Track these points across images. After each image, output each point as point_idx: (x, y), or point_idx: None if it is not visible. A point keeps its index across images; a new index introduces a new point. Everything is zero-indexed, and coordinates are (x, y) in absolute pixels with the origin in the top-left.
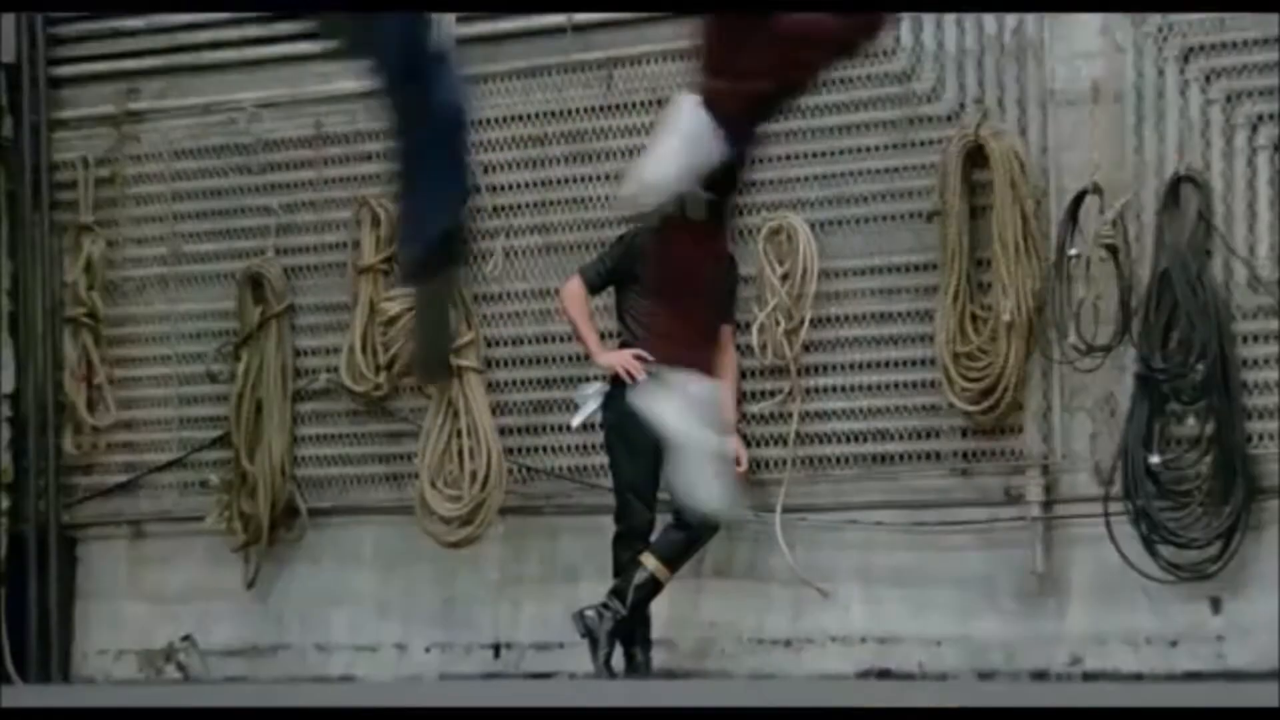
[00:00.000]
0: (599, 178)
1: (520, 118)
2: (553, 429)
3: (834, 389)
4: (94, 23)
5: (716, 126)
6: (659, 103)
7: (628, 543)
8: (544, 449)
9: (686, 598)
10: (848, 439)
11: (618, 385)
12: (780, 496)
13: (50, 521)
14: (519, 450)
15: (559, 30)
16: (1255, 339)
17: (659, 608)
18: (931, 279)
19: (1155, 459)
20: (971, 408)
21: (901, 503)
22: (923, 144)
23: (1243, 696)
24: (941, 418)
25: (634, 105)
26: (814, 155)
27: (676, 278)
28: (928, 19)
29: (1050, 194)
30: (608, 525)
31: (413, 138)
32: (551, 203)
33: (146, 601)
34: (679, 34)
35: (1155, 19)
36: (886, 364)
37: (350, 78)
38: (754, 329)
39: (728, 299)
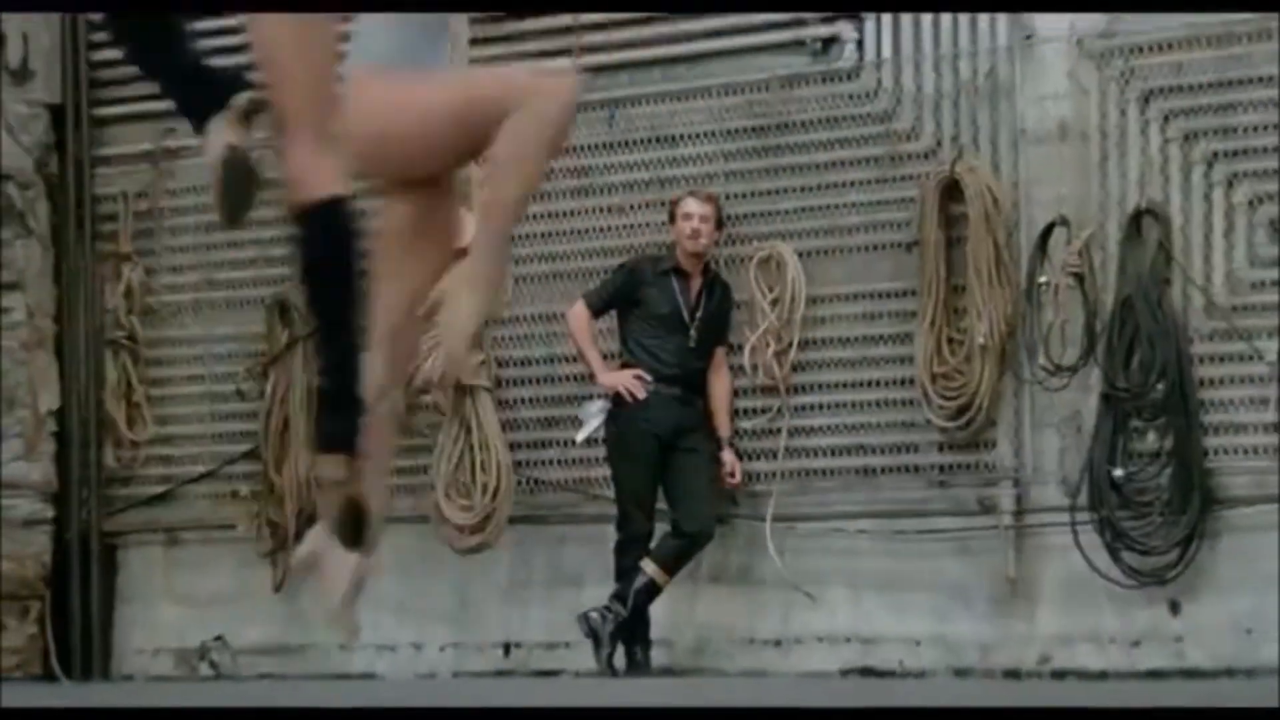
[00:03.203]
0: (601, 210)
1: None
2: (558, 444)
3: (820, 406)
4: (131, 69)
5: None
6: (658, 140)
7: (628, 550)
8: (550, 462)
9: (683, 601)
10: (833, 453)
11: (619, 403)
12: (770, 506)
13: (92, 530)
14: (527, 463)
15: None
16: (1211, 360)
17: (658, 610)
18: (911, 305)
19: (1119, 472)
20: (948, 424)
21: (883, 512)
22: (902, 179)
23: (1247, 695)
24: (920, 433)
25: (634, 143)
26: (801, 189)
27: None
28: (907, 63)
29: (1021, 226)
30: (610, 533)
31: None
32: (557, 233)
33: (181, 604)
34: (676, 76)
35: (1118, 63)
36: (869, 383)
37: None
38: (746, 350)
39: (722, 323)
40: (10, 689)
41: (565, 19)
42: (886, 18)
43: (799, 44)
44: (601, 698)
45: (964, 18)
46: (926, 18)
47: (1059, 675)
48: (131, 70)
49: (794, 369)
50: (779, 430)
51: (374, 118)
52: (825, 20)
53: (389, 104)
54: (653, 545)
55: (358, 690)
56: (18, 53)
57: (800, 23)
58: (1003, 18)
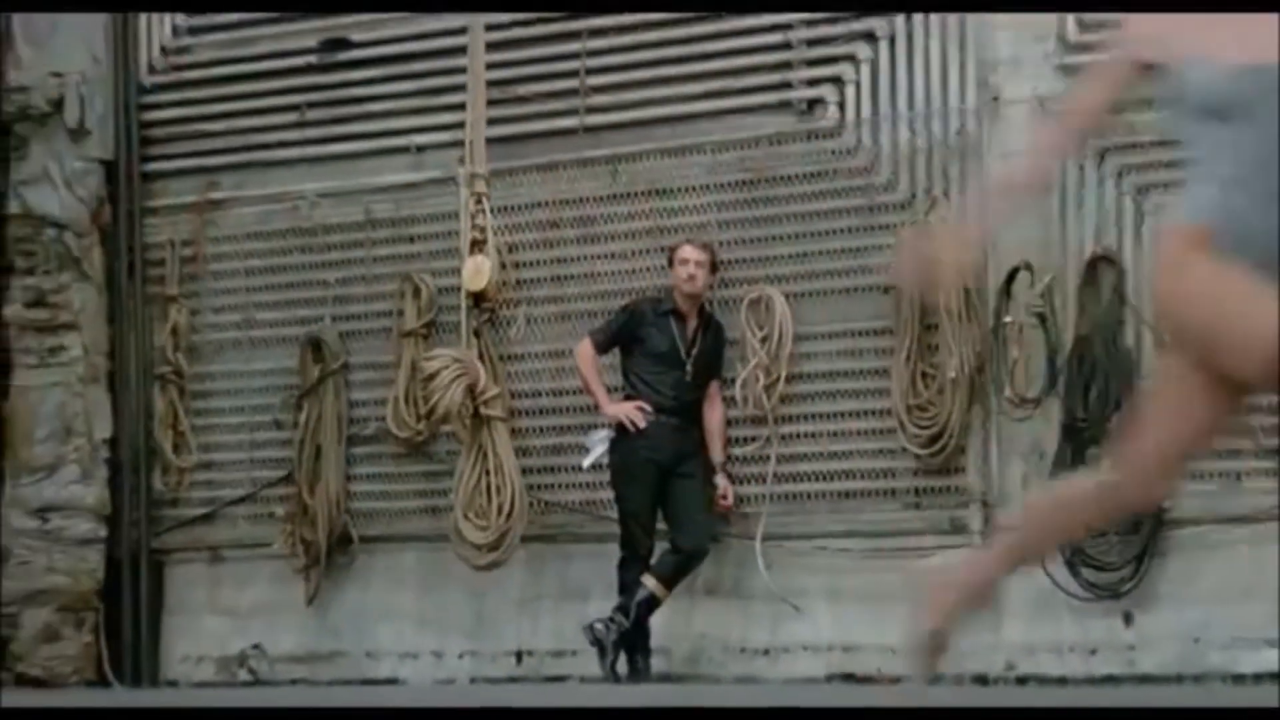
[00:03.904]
0: (605, 256)
1: (538, 205)
2: (567, 469)
3: (806, 435)
4: (180, 125)
5: None
6: (657, 193)
7: (631, 566)
8: (559, 486)
9: (680, 613)
10: (817, 478)
11: (622, 432)
12: (760, 526)
13: (142, 548)
14: (538, 487)
15: (572, 131)
16: None
17: (657, 621)
18: (888, 342)
19: None
20: (922, 451)
21: (863, 532)
22: (880, 228)
23: (1242, 698)
24: (896, 460)
25: (636, 195)
26: (788, 237)
27: None
28: (884, 122)
29: (988, 270)
30: (613, 551)
31: None
32: (565, 277)
33: (222, 615)
34: (674, 135)
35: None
36: (850, 414)
37: (395, 171)
38: (738, 384)
39: (716, 359)
40: (67, 693)
41: (573, 82)
42: (866, 82)
43: (786, 105)
44: (606, 702)
45: (936, 82)
46: (902, 82)
47: (1023, 680)
48: (178, 129)
49: (782, 401)
50: (768, 457)
51: (1172, 296)
52: (810, 83)
53: (1188, 289)
54: (653, 562)
55: (382, 694)
56: (75, 113)
57: (787, 85)
58: (971, 82)
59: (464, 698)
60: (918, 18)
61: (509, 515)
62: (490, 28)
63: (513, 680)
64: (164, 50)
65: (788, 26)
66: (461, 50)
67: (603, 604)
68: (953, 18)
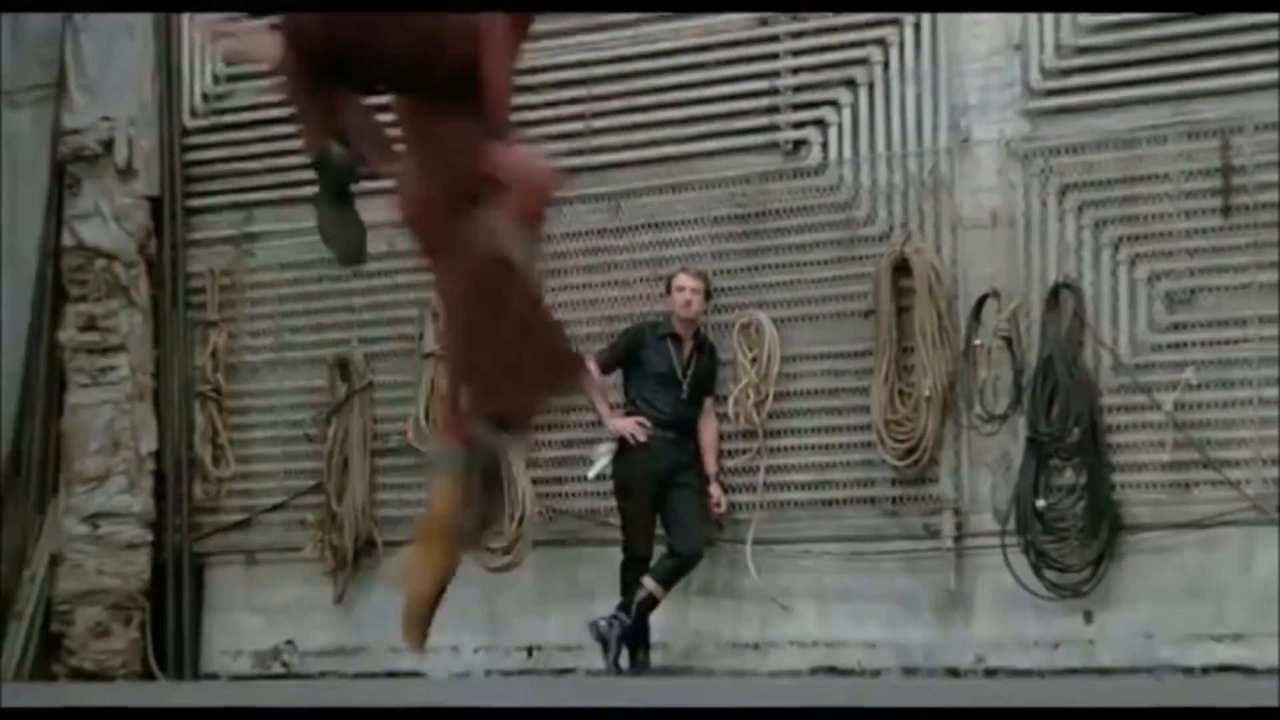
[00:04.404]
0: (608, 284)
1: (547, 237)
2: (573, 480)
3: (792, 448)
4: (219, 165)
5: None
6: (655, 226)
7: (632, 568)
8: (567, 495)
9: (677, 611)
10: (803, 487)
11: (624, 446)
12: (750, 532)
13: (184, 552)
14: (547, 496)
15: (578, 169)
16: (1118, 410)
17: (656, 619)
18: (868, 363)
19: (1041, 503)
20: (899, 463)
21: (845, 537)
22: (860, 259)
23: (1238, 695)
24: (875, 471)
25: (636, 228)
26: (776, 267)
27: None
28: (864, 162)
29: (959, 297)
30: (616, 555)
31: None
32: (571, 303)
33: (258, 613)
34: (670, 172)
35: (1039, 163)
36: (833, 429)
37: None
38: (730, 401)
39: (710, 378)
40: (118, 686)
41: (579, 124)
42: (847, 123)
43: (773, 145)
44: (609, 692)
45: (910, 124)
46: (879, 125)
47: (991, 673)
48: (217, 169)
49: (770, 416)
50: (758, 468)
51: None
52: (795, 126)
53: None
54: (652, 565)
55: (404, 686)
56: (123, 154)
57: (774, 128)
58: (943, 125)
59: (478, 690)
60: (894, 67)
61: (520, 522)
62: None
63: (524, 673)
64: (205, 96)
65: (775, 74)
66: None
67: (606, 603)
68: (926, 66)
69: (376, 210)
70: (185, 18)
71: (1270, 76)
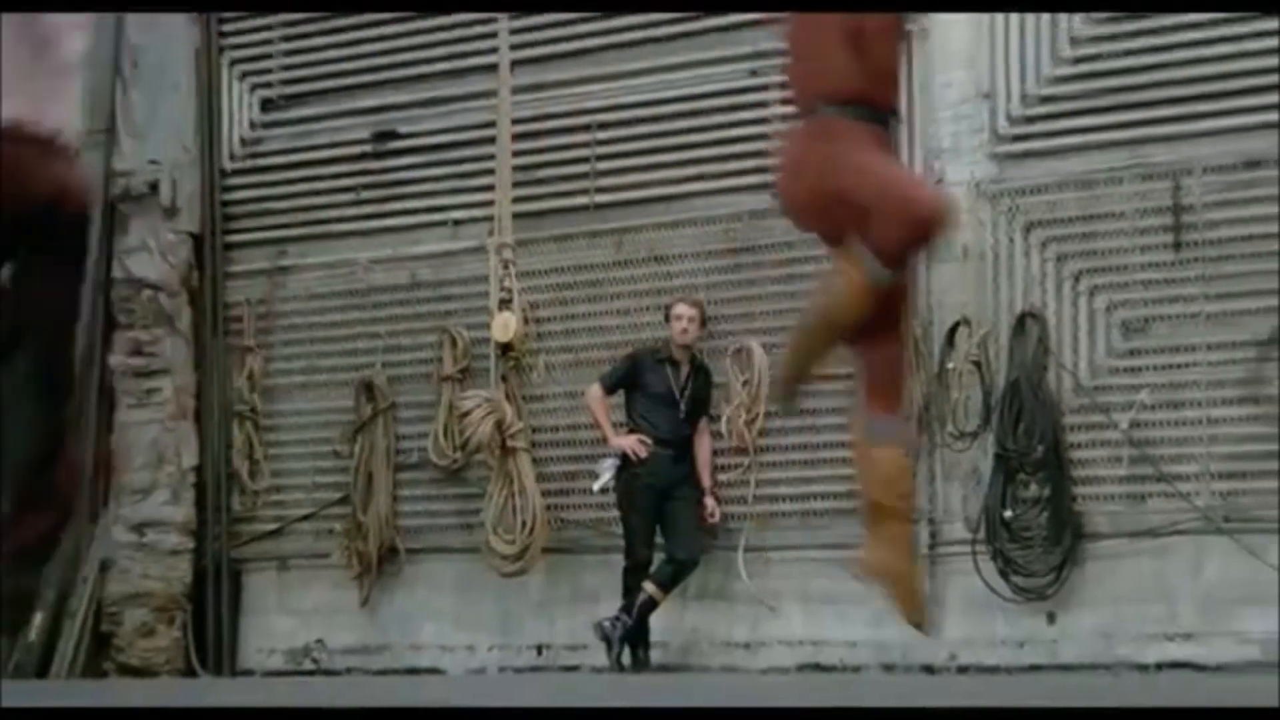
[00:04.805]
0: (611, 313)
1: (556, 270)
2: (580, 492)
3: (781, 464)
4: (255, 204)
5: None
6: (655, 259)
7: (633, 573)
8: (574, 506)
9: (675, 613)
10: (790, 499)
11: (626, 461)
12: (742, 540)
13: (222, 558)
14: (556, 506)
15: (583, 208)
16: (1078, 429)
17: (656, 620)
18: (849, 385)
19: (1008, 514)
20: None
21: (829, 544)
22: None
23: (1238, 695)
24: (856, 484)
25: (637, 261)
26: (765, 296)
27: None
28: None
29: (933, 324)
30: (618, 561)
31: None
32: (577, 330)
33: (290, 615)
34: (669, 210)
35: (1006, 202)
36: (818, 445)
37: (435, 241)
38: (723, 420)
39: (705, 399)
40: (161, 682)
41: (584, 166)
42: None
43: (763, 185)
44: (612, 687)
45: None
46: None
47: (962, 669)
48: (253, 207)
49: (760, 435)
50: (749, 481)
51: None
52: None
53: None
54: (652, 570)
55: (424, 682)
56: (168, 194)
57: (763, 169)
58: (918, 167)
59: (492, 685)
60: None
61: (531, 531)
62: (516, 121)
63: (534, 670)
64: (242, 141)
65: (764, 120)
66: (491, 140)
67: (610, 605)
68: (903, 114)
69: (400, 243)
70: (224, 74)
71: (1217, 124)
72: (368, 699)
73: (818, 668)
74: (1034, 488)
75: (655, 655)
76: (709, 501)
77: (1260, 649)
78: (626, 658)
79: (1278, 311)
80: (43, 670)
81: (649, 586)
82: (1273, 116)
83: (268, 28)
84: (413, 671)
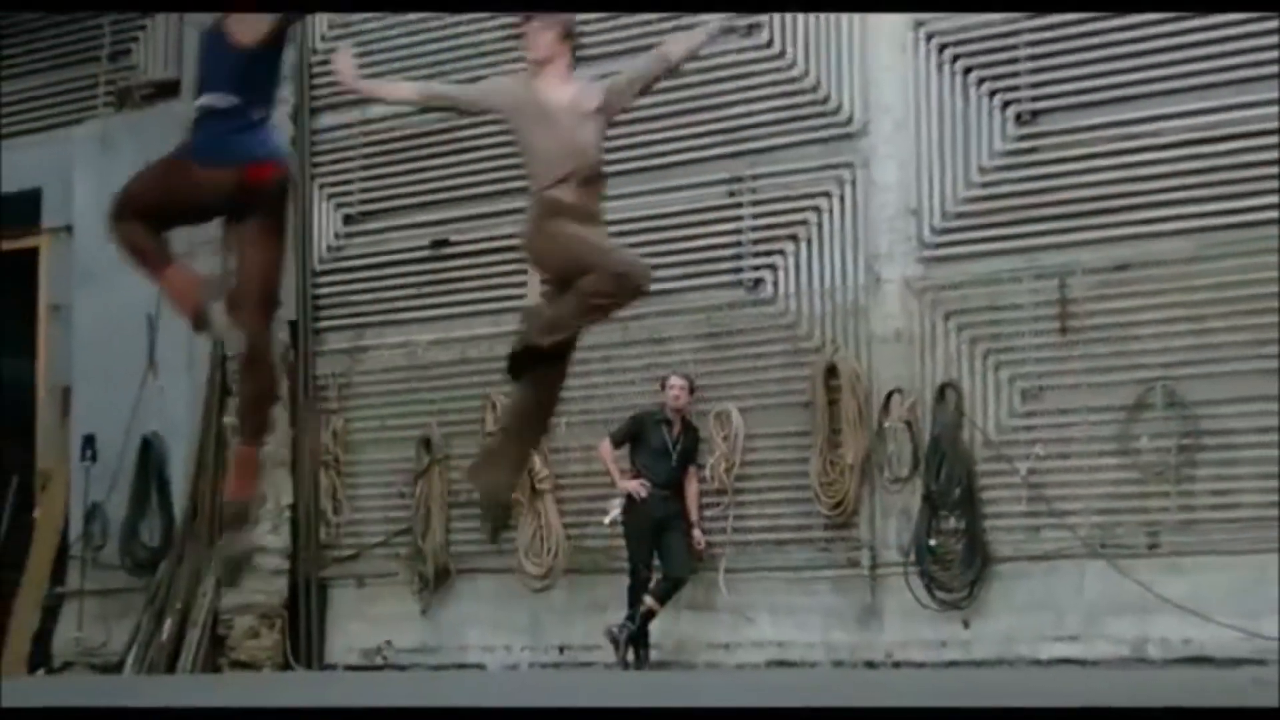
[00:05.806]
0: (618, 383)
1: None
2: (594, 524)
3: (753, 502)
4: (339, 297)
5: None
6: (652, 341)
7: (636, 589)
8: (589, 535)
9: (669, 621)
10: (760, 530)
11: (630, 500)
12: (723, 563)
13: (312, 576)
14: (574, 536)
15: None
16: (987, 475)
17: (654, 626)
18: (807, 441)
19: (933, 542)
20: (829, 513)
21: (791, 566)
22: (802, 364)
23: (1076, 682)
24: (812, 519)
25: (638, 342)
26: (742, 370)
27: None
28: (805, 294)
29: (873, 393)
30: (624, 579)
31: None
32: (592, 397)
33: (365, 622)
34: (665, 302)
35: (930, 296)
36: (782, 488)
37: (481, 326)
38: (708, 468)
39: (693, 452)
40: (266, 675)
41: None
42: (792, 267)
43: (739, 283)
44: (619, 678)
45: (838, 268)
46: (816, 268)
47: (897, 665)
48: (336, 300)
49: (736, 479)
50: (728, 516)
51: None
52: (755, 268)
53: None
54: (651, 586)
55: (471, 675)
56: None
57: (739, 270)
58: (862, 268)
59: (524, 678)
60: (826, 226)
61: (555, 555)
62: None
63: (557, 666)
64: (329, 248)
65: (739, 230)
66: None
67: (618, 614)
68: (849, 225)
69: (453, 328)
70: (315, 195)
71: (1096, 235)
72: (431, 697)
73: (782, 664)
74: (953, 521)
75: (653, 654)
76: (696, 533)
77: (1129, 648)
78: (630, 656)
79: (1141, 382)
80: (171, 666)
81: (649, 599)
82: (1140, 230)
83: (349, 159)
84: (461, 666)
